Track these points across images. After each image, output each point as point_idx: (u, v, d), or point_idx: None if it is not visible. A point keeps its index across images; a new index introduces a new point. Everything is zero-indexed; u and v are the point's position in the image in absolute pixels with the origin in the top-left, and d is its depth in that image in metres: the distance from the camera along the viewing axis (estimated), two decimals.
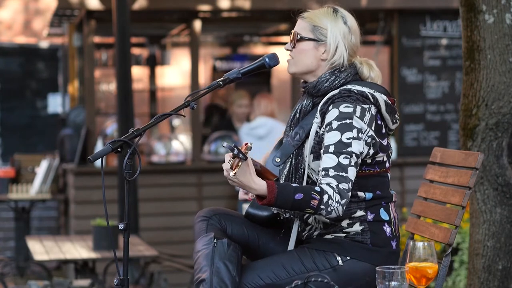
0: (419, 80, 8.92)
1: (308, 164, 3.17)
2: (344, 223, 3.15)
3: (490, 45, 4.05)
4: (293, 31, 3.25)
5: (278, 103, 9.13)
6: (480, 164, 3.25)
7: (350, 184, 3.00)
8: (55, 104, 14.07)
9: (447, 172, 3.41)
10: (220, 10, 8.77)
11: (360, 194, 3.15)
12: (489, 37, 4.05)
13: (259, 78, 10.90)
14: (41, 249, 6.17)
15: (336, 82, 3.19)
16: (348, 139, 3.04)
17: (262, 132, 8.12)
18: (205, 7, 8.58)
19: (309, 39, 3.21)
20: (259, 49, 12.69)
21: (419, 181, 3.65)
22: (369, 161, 3.13)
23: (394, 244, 3.18)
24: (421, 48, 8.89)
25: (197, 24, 8.76)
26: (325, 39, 3.19)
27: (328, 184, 2.98)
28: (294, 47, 3.23)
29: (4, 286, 7.18)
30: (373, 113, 3.12)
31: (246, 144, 2.95)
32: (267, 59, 3.26)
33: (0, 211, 10.37)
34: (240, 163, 2.92)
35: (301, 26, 3.24)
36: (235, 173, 2.92)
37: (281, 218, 3.29)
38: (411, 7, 8.80)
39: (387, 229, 3.17)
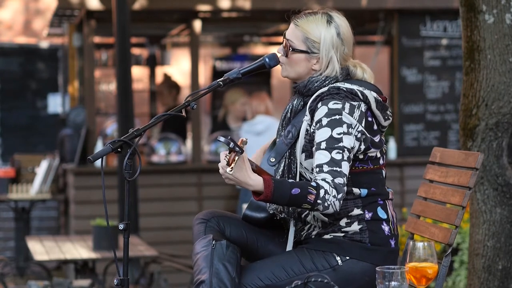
0: (419, 80, 8.91)
1: (301, 163, 3.17)
2: (343, 222, 3.15)
3: (490, 45, 4.05)
4: (285, 38, 3.23)
5: (278, 103, 9.14)
6: (480, 164, 3.25)
7: (345, 179, 3.01)
8: (55, 104, 14.06)
9: (447, 172, 3.40)
10: (220, 10, 8.77)
11: (355, 190, 3.15)
12: (489, 37, 4.05)
13: (259, 78, 10.90)
14: (41, 249, 6.17)
15: (327, 82, 3.19)
16: (339, 134, 3.04)
17: (260, 128, 8.12)
18: (205, 7, 8.58)
19: (301, 51, 3.20)
20: (259, 49, 12.70)
21: (419, 181, 3.65)
22: (361, 156, 3.13)
23: (393, 242, 3.18)
24: (421, 48, 8.88)
25: (197, 24, 8.76)
26: (318, 52, 3.18)
27: (323, 179, 2.98)
28: (286, 56, 3.23)
29: (4, 286, 7.17)
30: (363, 110, 3.12)
31: (241, 139, 2.94)
32: (267, 59, 3.26)
33: (0, 211, 10.37)
34: (236, 158, 2.90)
35: (294, 34, 3.21)
36: (231, 168, 2.90)
37: (277, 218, 3.29)
38: (411, 7, 8.80)
39: (386, 227, 3.17)
